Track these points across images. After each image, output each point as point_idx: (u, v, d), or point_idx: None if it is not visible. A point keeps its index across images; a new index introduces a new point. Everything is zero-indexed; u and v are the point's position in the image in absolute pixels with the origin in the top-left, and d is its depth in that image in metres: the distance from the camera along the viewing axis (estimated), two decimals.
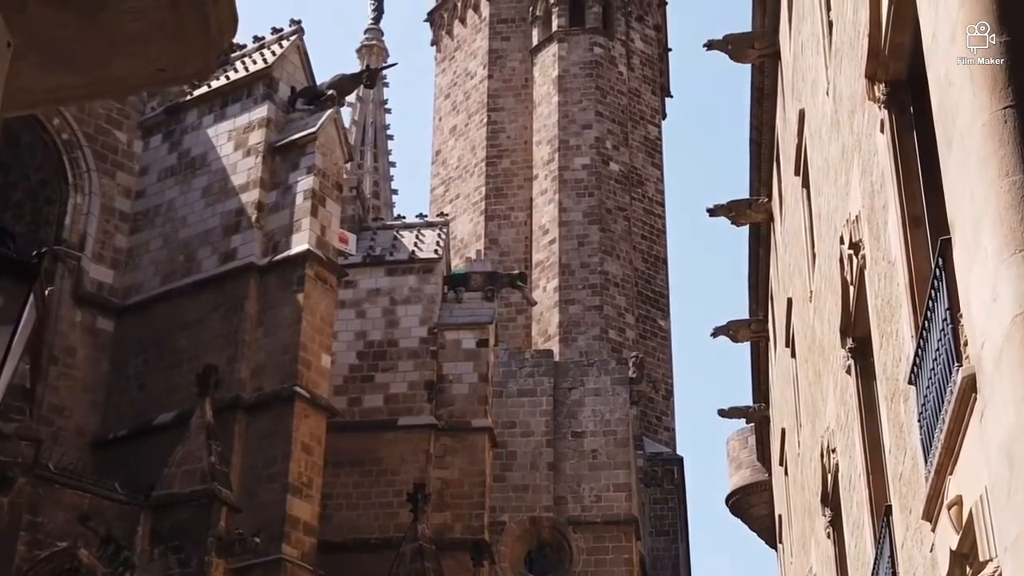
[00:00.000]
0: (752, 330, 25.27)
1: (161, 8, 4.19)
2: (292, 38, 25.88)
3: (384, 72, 60.89)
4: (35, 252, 4.54)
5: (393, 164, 58.59)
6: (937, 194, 8.48)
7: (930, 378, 7.52)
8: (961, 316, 6.71)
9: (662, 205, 48.29)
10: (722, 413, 27.78)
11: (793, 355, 19.27)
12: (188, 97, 26.16)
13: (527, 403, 34.08)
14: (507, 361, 34.37)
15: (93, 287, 24.91)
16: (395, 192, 55.18)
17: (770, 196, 21.75)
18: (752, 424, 28.89)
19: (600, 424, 34.23)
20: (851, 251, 10.90)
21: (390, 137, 59.17)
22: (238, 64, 26.15)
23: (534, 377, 34.47)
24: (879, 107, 9.15)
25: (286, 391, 22.48)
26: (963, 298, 6.62)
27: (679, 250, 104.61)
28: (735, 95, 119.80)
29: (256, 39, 26.52)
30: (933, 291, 7.28)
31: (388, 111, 59.92)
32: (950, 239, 6.94)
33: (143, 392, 24.01)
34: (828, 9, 12.33)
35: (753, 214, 22.62)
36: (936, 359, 7.31)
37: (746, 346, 26.69)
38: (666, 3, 52.72)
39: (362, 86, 59.20)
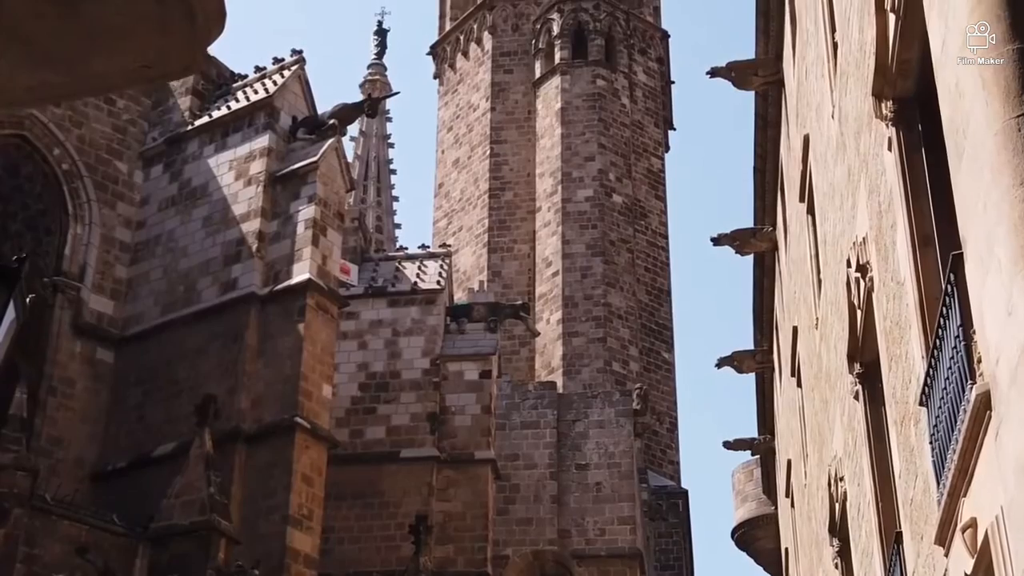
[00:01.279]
0: (757, 361, 25.13)
1: (145, 0, 4.03)
2: (294, 68, 25.81)
3: (387, 104, 61.19)
4: (15, 257, 4.38)
5: (396, 198, 58.65)
6: (946, 212, 8.36)
7: (942, 398, 7.35)
8: (974, 332, 6.56)
9: (665, 237, 48.19)
10: (727, 445, 27.61)
11: (799, 384, 19.13)
12: (189, 127, 26.10)
13: (530, 435, 33.87)
14: (510, 393, 34.19)
15: (93, 318, 24.76)
16: (398, 226, 55.26)
17: (774, 225, 21.68)
18: (757, 456, 28.70)
19: (604, 456, 33.99)
20: (858, 274, 10.76)
21: (393, 171, 59.32)
22: (239, 94, 26.10)
23: (537, 409, 34.27)
24: (887, 125, 9.03)
25: (286, 422, 22.29)
26: (976, 314, 6.47)
27: (683, 281, 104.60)
28: (737, 127, 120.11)
29: (257, 69, 26.47)
30: (945, 308, 7.13)
31: (391, 145, 60.07)
32: (962, 254, 6.79)
33: (142, 423, 23.82)
34: (833, 31, 12.25)
35: (757, 243, 22.54)
36: (948, 378, 7.15)
37: (751, 377, 26.55)
38: (668, 36, 52.78)
39: (364, 118, 59.55)
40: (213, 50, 27.35)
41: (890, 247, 9.24)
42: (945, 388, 7.24)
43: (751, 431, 28.17)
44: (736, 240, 22.52)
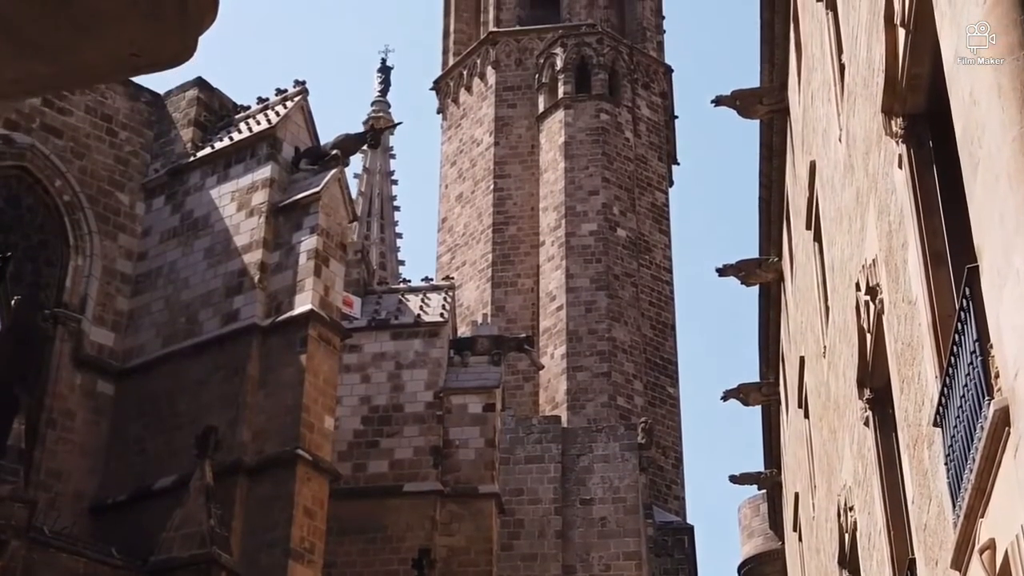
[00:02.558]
0: (763, 393, 25.04)
1: None
2: (296, 98, 25.74)
3: (390, 140, 61.25)
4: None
5: (400, 235, 58.63)
6: (958, 230, 8.23)
7: (957, 416, 7.20)
8: (991, 347, 6.41)
9: (670, 272, 48.04)
10: (733, 479, 27.45)
11: (806, 415, 19.02)
12: (191, 158, 26.03)
13: (535, 470, 33.65)
14: (514, 427, 33.99)
15: (93, 350, 24.60)
16: (402, 263, 55.20)
17: (780, 256, 21.62)
18: (764, 491, 28.51)
19: (609, 491, 33.74)
20: (868, 297, 10.64)
21: (396, 208, 59.34)
22: (242, 125, 26.03)
23: (542, 444, 34.06)
24: (897, 142, 8.92)
25: (288, 454, 22.09)
26: (993, 327, 6.33)
27: (688, 315, 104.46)
28: (740, 160, 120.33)
29: (260, 100, 26.41)
30: (960, 324, 6.98)
31: (395, 182, 60.12)
32: (977, 267, 6.65)
33: (143, 456, 23.62)
34: (840, 53, 12.19)
35: (763, 273, 22.50)
36: (964, 396, 6.99)
37: (757, 410, 26.42)
38: (672, 71, 52.83)
39: (368, 156, 59.63)
40: (216, 82, 27.29)
41: (901, 267, 9.12)
42: (961, 407, 7.09)
43: (757, 465, 28.02)
44: (741, 271, 22.47)
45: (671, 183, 51.18)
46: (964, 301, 6.85)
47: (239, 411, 22.53)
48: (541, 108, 48.44)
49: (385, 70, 59.29)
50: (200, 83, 26.96)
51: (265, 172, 24.68)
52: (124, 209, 25.78)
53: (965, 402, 6.97)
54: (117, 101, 26.37)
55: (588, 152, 46.37)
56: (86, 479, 23.73)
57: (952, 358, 7.22)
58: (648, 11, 52.90)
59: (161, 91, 27.08)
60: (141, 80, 25.78)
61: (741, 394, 24.88)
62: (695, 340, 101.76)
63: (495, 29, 50.90)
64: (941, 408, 7.62)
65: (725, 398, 24.70)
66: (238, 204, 24.71)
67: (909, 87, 8.66)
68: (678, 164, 52.83)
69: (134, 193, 26.02)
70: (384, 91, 58.16)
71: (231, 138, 25.70)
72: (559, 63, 48.02)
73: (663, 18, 54.07)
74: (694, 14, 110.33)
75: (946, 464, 7.64)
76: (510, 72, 50.01)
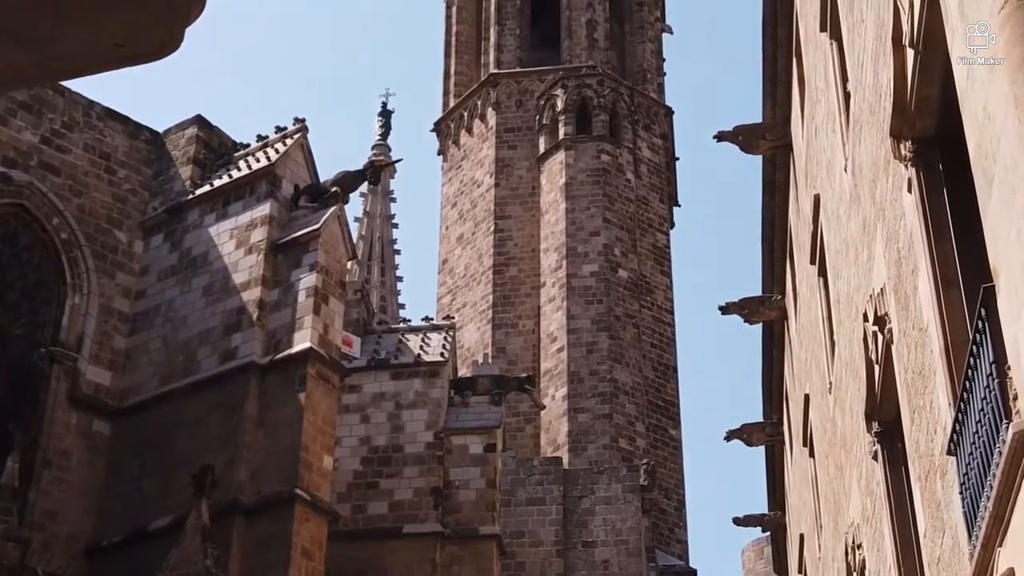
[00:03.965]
0: (767, 433, 24.86)
1: None
2: (296, 136, 25.65)
3: (391, 185, 61.31)
4: None
5: (400, 279, 58.61)
6: (970, 255, 8.07)
7: (973, 443, 7.00)
8: (1009, 369, 6.22)
9: (671, 313, 47.88)
10: (737, 521, 27.19)
11: (812, 454, 18.86)
12: (190, 196, 25.89)
13: (536, 512, 33.38)
14: (515, 469, 33.74)
15: (90, 389, 24.37)
16: (402, 307, 55.13)
17: (783, 293, 21.52)
18: (768, 533, 28.24)
19: (611, 533, 33.46)
20: (876, 327, 10.49)
21: (397, 252, 59.34)
22: (241, 163, 25.93)
23: (543, 485, 33.82)
24: (906, 166, 8.79)
25: (286, 493, 21.81)
26: (1011, 348, 6.14)
27: (690, 356, 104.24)
28: (742, 200, 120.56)
29: (260, 138, 26.31)
30: (975, 346, 6.80)
31: (395, 226, 60.15)
32: (993, 287, 6.48)
33: (139, 496, 23.34)
34: (844, 81, 12.10)
35: (766, 311, 22.40)
36: (980, 420, 6.80)
37: (760, 451, 26.21)
38: (672, 113, 52.89)
39: (369, 200, 59.63)
40: (216, 121, 27.25)
41: (911, 294, 8.97)
42: (977, 432, 6.90)
43: (761, 507, 27.79)
44: (744, 308, 22.36)
45: (672, 225, 51.12)
46: (980, 323, 6.67)
47: (237, 450, 22.28)
48: (542, 149, 48.44)
49: (386, 114, 59.55)
50: (199, 121, 26.89)
51: (264, 209, 24.55)
52: (122, 247, 25.63)
53: (981, 427, 6.79)
54: (116, 139, 26.29)
55: (589, 193, 46.31)
56: (82, 520, 23.45)
57: (967, 382, 7.04)
58: (648, 53, 53.01)
59: (160, 129, 27.01)
60: (140, 119, 25.72)
61: (744, 434, 24.70)
62: (697, 381, 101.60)
63: (496, 71, 50.99)
64: (955, 435, 7.44)
65: (728, 438, 24.52)
66: (237, 241, 24.56)
67: (918, 110, 8.54)
68: (679, 206, 52.84)
69: (132, 231, 25.87)
70: (385, 135, 58.36)
71: (230, 175, 25.58)
72: (560, 104, 48.06)
73: (663, 60, 54.20)
74: (695, 56, 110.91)
75: (961, 493, 7.45)
76: (511, 113, 50.04)
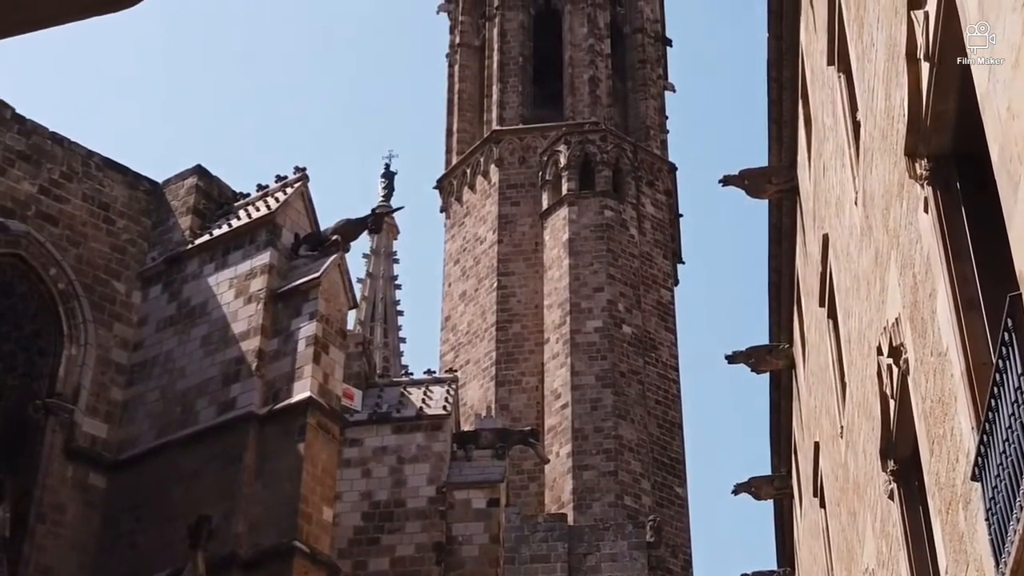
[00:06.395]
0: (775, 487, 24.50)
1: None
2: (296, 185, 25.43)
3: (393, 246, 61.17)
4: None
5: (403, 340, 58.32)
6: (990, 276, 7.79)
7: (1000, 464, 6.67)
8: None
9: (676, 370, 47.50)
10: None
11: (822, 504, 18.51)
12: (189, 246, 25.62)
13: (540, 570, 32.87)
14: (519, 526, 33.24)
15: (86, 441, 23.96)
16: (405, 367, 54.68)
17: (791, 342, 21.27)
18: None
19: None
20: (891, 359, 10.20)
21: (400, 313, 59.10)
22: (241, 212, 25.68)
23: (548, 542, 33.30)
24: (922, 185, 8.52)
25: (285, 546, 21.34)
26: None
27: (695, 410, 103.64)
28: (746, 256, 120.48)
29: (260, 187, 26.09)
30: (1001, 361, 6.47)
31: (398, 287, 59.96)
32: (1020, 295, 6.18)
33: (135, 551, 22.85)
34: (854, 112, 11.90)
35: (773, 360, 22.15)
36: (1008, 439, 6.47)
37: (769, 506, 25.84)
38: (676, 169, 52.79)
39: (371, 258, 59.44)
40: (216, 170, 27.04)
41: (928, 319, 8.68)
42: (1004, 451, 6.57)
43: (770, 563, 27.31)
44: (751, 357, 22.10)
45: (676, 282, 50.84)
46: (1006, 334, 6.35)
47: (235, 502, 21.84)
48: (545, 205, 48.27)
49: (389, 175, 59.64)
50: (199, 171, 26.69)
51: (264, 258, 24.26)
52: (120, 298, 25.32)
53: (1009, 446, 6.47)
54: (115, 189, 26.06)
55: (593, 249, 46.07)
56: (77, 575, 22.97)
57: (991, 401, 6.71)
58: (651, 110, 53.01)
59: (160, 179, 26.80)
60: (140, 169, 25.51)
61: (752, 488, 24.34)
62: (704, 436, 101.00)
63: (498, 127, 50.94)
64: (980, 459, 7.11)
65: (736, 492, 24.17)
66: (236, 291, 24.25)
67: (934, 125, 8.31)
68: (683, 263, 52.56)
69: (131, 282, 25.57)
70: (388, 196, 58.35)
71: (230, 225, 25.33)
72: (563, 160, 47.94)
73: (666, 117, 54.21)
74: (698, 113, 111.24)
75: (987, 519, 7.12)
76: (513, 170, 49.94)
